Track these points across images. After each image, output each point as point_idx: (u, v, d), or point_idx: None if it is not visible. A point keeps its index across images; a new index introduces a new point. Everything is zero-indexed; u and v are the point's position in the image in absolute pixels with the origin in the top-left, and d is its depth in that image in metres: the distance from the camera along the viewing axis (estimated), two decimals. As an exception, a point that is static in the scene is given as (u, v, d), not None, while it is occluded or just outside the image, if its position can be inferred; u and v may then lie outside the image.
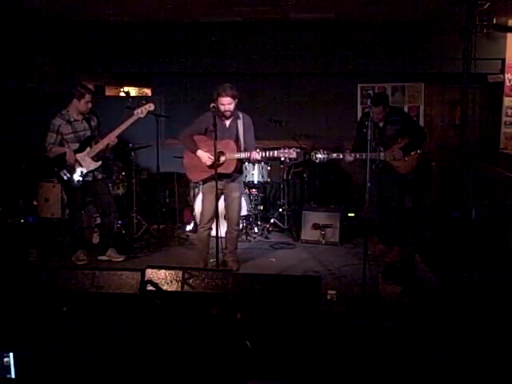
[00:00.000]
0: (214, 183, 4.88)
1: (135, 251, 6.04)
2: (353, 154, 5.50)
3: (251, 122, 5.26)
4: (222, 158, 5.00)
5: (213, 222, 5.18)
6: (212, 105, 4.81)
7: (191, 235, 6.69)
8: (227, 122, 5.14)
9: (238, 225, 5.53)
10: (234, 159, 5.05)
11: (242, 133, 5.15)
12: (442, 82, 7.70)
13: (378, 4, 6.21)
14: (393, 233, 5.86)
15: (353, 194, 7.54)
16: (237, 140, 5.11)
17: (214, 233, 5.08)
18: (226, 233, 5.42)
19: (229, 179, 5.18)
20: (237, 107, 5.10)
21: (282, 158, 5.25)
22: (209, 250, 5.31)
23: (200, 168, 5.11)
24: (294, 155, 5.01)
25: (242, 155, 5.06)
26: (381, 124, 5.74)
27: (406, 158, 5.66)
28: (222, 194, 5.25)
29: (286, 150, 4.99)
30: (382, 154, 5.61)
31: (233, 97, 4.96)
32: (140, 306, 3.78)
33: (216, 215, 4.87)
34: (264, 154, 5.04)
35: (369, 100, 4.94)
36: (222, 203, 5.34)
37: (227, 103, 4.96)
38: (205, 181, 5.21)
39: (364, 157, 5.37)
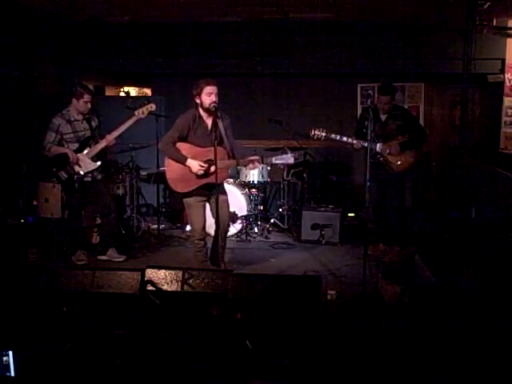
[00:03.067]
0: (199, 197, 4.72)
1: (135, 251, 6.04)
2: (350, 139, 5.43)
3: (229, 119, 4.87)
4: (213, 168, 4.55)
5: (205, 232, 4.92)
6: (212, 105, 4.59)
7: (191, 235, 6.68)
8: (209, 123, 4.71)
9: (228, 231, 5.19)
10: (225, 168, 4.73)
11: (224, 134, 4.70)
12: (442, 82, 7.70)
13: (378, 4, 6.21)
14: (393, 232, 5.86)
15: (353, 194, 7.55)
16: (222, 143, 4.69)
17: (213, 232, 5.02)
18: (216, 244, 4.91)
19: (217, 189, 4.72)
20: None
21: (280, 164, 5.07)
22: (208, 261, 4.96)
23: (187, 178, 4.68)
24: (291, 161, 4.79)
25: (234, 164, 4.80)
26: (383, 117, 5.72)
27: (401, 156, 5.63)
28: (207, 201, 4.87)
29: (284, 156, 4.78)
30: (378, 145, 5.59)
31: (217, 85, 4.64)
32: (140, 306, 3.78)
33: (216, 215, 4.78)
34: (261, 165, 4.85)
35: (369, 100, 4.84)
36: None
37: (214, 92, 4.59)
38: (189, 194, 4.77)
39: (360, 144, 5.35)
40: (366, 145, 5.22)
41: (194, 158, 4.66)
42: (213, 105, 4.59)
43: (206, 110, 4.68)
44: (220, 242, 4.91)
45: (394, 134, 5.66)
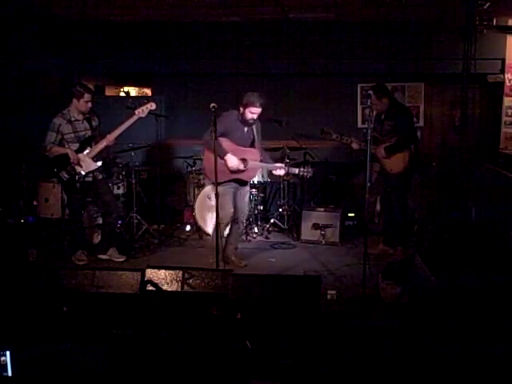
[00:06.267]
0: (230, 186, 5.15)
1: (135, 251, 6.04)
2: (350, 139, 5.70)
3: (260, 124, 5.36)
4: (247, 165, 5.11)
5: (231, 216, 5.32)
6: (212, 105, 4.66)
7: (191, 235, 6.69)
8: (246, 128, 5.20)
9: (246, 220, 5.78)
10: (255, 168, 5.26)
11: (256, 138, 5.27)
12: (442, 82, 7.69)
13: (378, 4, 6.20)
14: (396, 234, 5.85)
15: (353, 194, 7.54)
16: (254, 145, 5.26)
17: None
18: (234, 228, 5.48)
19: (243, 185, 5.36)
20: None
21: (300, 175, 5.38)
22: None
23: (221, 170, 4.97)
24: (310, 175, 5.28)
25: (264, 166, 5.36)
26: (382, 117, 5.71)
27: (392, 159, 5.61)
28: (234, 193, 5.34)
29: (306, 169, 5.24)
30: (373, 147, 5.56)
31: (263, 108, 5.08)
32: (140, 306, 3.78)
33: (216, 215, 4.84)
34: (287, 170, 5.30)
35: (369, 101, 4.90)
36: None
37: (256, 113, 5.06)
38: (221, 184, 5.12)
39: (357, 145, 5.65)
40: (362, 146, 5.57)
41: (231, 153, 5.09)
42: (252, 121, 5.10)
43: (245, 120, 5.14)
44: (236, 229, 5.49)
45: (388, 136, 5.62)
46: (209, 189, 6.16)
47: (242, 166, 5.11)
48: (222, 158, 5.01)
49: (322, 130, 5.76)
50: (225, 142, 5.09)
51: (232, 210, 5.25)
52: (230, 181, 5.17)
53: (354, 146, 5.67)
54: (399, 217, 5.78)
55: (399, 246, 5.78)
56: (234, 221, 5.45)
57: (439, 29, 7.05)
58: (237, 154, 5.09)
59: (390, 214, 5.86)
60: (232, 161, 5.05)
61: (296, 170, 5.31)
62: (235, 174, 5.13)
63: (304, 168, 5.30)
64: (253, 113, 5.05)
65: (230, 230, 5.51)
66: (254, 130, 5.24)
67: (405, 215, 5.83)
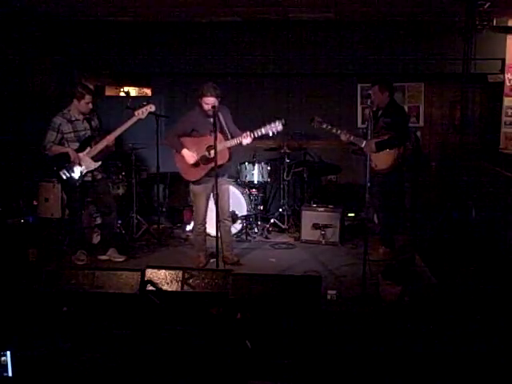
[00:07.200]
0: (206, 184, 5.18)
1: (135, 251, 6.04)
2: (339, 130, 5.58)
3: (228, 110, 5.37)
4: (212, 152, 5.00)
5: (206, 219, 5.42)
6: (212, 104, 4.89)
7: (191, 235, 6.69)
8: (211, 119, 5.06)
9: (230, 216, 5.72)
10: (225, 149, 5.14)
11: (224, 124, 5.22)
12: (442, 82, 7.69)
13: (378, 4, 6.20)
14: (393, 233, 5.84)
15: (353, 193, 7.54)
16: (222, 132, 5.18)
17: (214, 233, 5.11)
18: (221, 227, 5.39)
19: (219, 173, 5.14)
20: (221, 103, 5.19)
21: (271, 134, 5.16)
22: (206, 243, 5.52)
23: (196, 166, 5.22)
24: (280, 127, 5.06)
25: (233, 142, 5.14)
26: (379, 113, 5.63)
27: (380, 156, 5.48)
28: (212, 192, 5.32)
29: (272, 125, 5.05)
30: (363, 141, 5.52)
31: (217, 96, 5.07)
32: (140, 306, 3.78)
33: (216, 215, 4.88)
34: (253, 134, 5.08)
35: (369, 100, 4.89)
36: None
37: (211, 103, 5.03)
38: (197, 182, 5.29)
39: (346, 137, 5.55)
40: (351, 139, 5.55)
41: (197, 147, 5.20)
42: (210, 111, 5.00)
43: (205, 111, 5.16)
44: (223, 227, 5.40)
45: (381, 132, 5.54)
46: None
47: (194, 159, 5.18)
48: (179, 154, 5.20)
49: (313, 118, 5.71)
50: (185, 139, 5.24)
51: (204, 213, 5.39)
52: (207, 175, 5.19)
53: (343, 137, 5.57)
54: (378, 216, 5.78)
55: (382, 246, 5.72)
56: (220, 221, 5.35)
57: (439, 29, 7.05)
58: (200, 145, 5.18)
59: (385, 214, 5.81)
60: (187, 154, 5.18)
61: (263, 130, 5.09)
62: (208, 163, 5.14)
63: (270, 124, 5.08)
64: (207, 103, 5.05)
65: (220, 230, 5.36)
66: (221, 118, 5.17)
67: (386, 215, 5.75)
